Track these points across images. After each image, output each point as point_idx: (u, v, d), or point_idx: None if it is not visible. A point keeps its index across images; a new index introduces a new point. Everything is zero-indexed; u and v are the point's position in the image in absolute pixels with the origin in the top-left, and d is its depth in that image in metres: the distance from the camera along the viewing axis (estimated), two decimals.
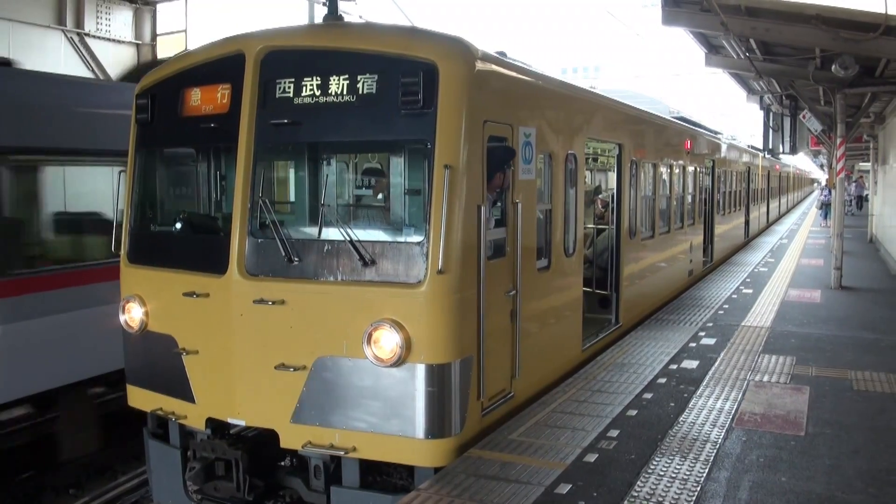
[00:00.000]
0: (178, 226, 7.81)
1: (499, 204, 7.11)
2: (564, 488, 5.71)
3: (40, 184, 10.05)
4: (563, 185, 8.47)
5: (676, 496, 5.61)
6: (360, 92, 6.30)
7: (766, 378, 8.87)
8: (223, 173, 7.76)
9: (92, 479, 10.41)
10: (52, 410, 10.27)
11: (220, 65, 6.99)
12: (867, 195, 38.38)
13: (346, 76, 6.34)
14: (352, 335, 6.16)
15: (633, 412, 7.51)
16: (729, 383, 8.60)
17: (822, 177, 66.25)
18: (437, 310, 6.06)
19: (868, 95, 17.64)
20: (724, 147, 20.81)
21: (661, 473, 6.02)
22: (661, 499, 5.56)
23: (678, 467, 6.15)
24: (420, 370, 6.04)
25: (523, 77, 7.67)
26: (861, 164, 46.35)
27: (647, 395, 8.06)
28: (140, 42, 21.64)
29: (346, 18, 7.42)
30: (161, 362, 7.23)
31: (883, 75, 15.20)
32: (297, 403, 6.39)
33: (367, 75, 6.28)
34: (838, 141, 16.31)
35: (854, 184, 44.89)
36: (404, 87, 6.10)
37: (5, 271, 9.07)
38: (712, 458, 6.38)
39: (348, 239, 6.30)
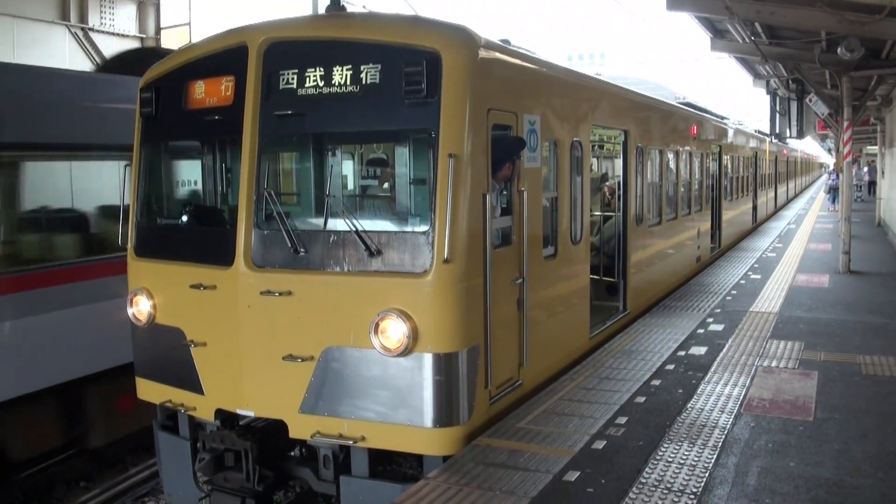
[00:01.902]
0: (185, 218, 7.83)
1: (505, 192, 7.10)
2: (573, 475, 5.72)
3: None
4: (568, 172, 8.46)
5: (685, 482, 5.61)
6: (364, 82, 6.30)
7: (774, 363, 8.85)
8: (228, 165, 7.77)
9: (103, 470, 10.47)
10: None
11: (224, 57, 6.99)
12: None
13: (350, 66, 6.33)
14: (359, 325, 6.17)
15: (642, 399, 7.51)
16: (737, 369, 8.59)
17: (830, 161, 65.94)
18: (443, 299, 6.06)
19: (874, 78, 17.52)
20: (730, 132, 20.74)
21: (670, 460, 6.03)
22: (669, 485, 5.57)
23: (686, 453, 6.15)
24: (427, 359, 6.05)
25: (527, 64, 7.64)
26: (868, 147, 46.06)
27: (656, 382, 8.06)
28: (144, 36, 21.66)
29: (349, 9, 7.40)
30: (169, 355, 7.26)
31: (889, 57, 15.10)
32: (306, 394, 6.41)
33: (371, 65, 6.27)
34: (845, 124, 16.24)
35: (866, 168, 44.33)
36: (408, 77, 6.09)
37: None
38: (721, 443, 6.38)
39: (354, 229, 6.30)
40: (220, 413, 6.95)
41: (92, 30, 19.96)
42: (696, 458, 6.05)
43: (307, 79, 6.49)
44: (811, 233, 24.81)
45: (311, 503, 7.58)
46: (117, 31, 20.80)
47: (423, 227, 6.23)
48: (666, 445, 6.33)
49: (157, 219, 8.03)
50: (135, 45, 21.47)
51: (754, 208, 26.59)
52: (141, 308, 7.44)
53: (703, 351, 9.39)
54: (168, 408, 7.46)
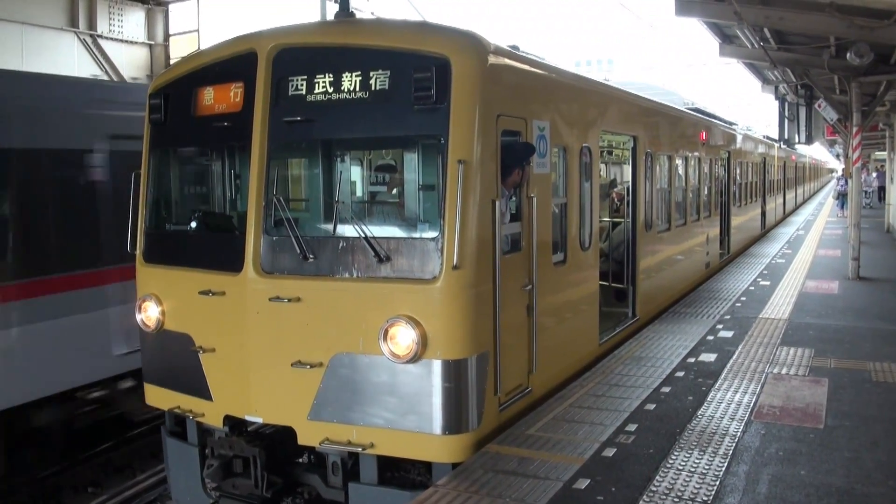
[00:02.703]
0: (194, 225, 7.83)
1: (514, 198, 7.08)
2: (583, 483, 5.69)
3: None
4: (577, 178, 8.44)
5: (696, 490, 5.58)
6: (373, 88, 6.29)
7: (784, 370, 8.81)
8: (237, 172, 7.77)
9: (110, 476, 10.48)
10: None
11: (233, 63, 6.99)
12: None
13: (359, 72, 6.33)
14: (368, 332, 6.15)
15: (652, 406, 7.47)
16: (747, 376, 8.54)
17: (839, 166, 65.72)
18: (452, 305, 6.04)
19: (883, 83, 17.47)
20: (739, 138, 20.69)
21: (680, 468, 5.99)
22: (680, 493, 5.53)
23: (697, 461, 6.12)
24: (436, 366, 6.03)
25: (536, 70, 7.63)
26: (877, 152, 45.88)
27: (666, 389, 8.02)
28: (153, 42, 21.71)
29: (358, 15, 7.40)
30: (178, 361, 7.25)
31: None
32: (314, 400, 6.39)
33: (380, 71, 6.27)
34: (854, 130, 16.19)
35: (875, 173, 44.01)
36: (417, 83, 6.08)
37: None
38: (731, 451, 6.34)
39: (363, 235, 6.29)
40: (228, 419, 6.94)
41: (101, 36, 20.01)
42: (706, 466, 6.01)
43: (316, 85, 6.49)
44: (820, 239, 24.74)
45: None
46: (126, 38, 20.86)
47: (433, 234, 6.22)
48: (676, 453, 6.29)
49: (165, 225, 8.03)
50: (144, 51, 21.54)
51: (763, 214, 26.52)
52: (150, 314, 7.44)
53: (712, 358, 9.35)
54: (176, 414, 7.45)
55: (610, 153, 14.87)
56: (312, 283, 6.46)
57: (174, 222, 8.10)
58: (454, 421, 6.10)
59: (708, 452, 6.30)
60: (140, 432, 11.29)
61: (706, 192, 15.98)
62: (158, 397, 7.61)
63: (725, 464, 6.08)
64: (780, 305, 12.84)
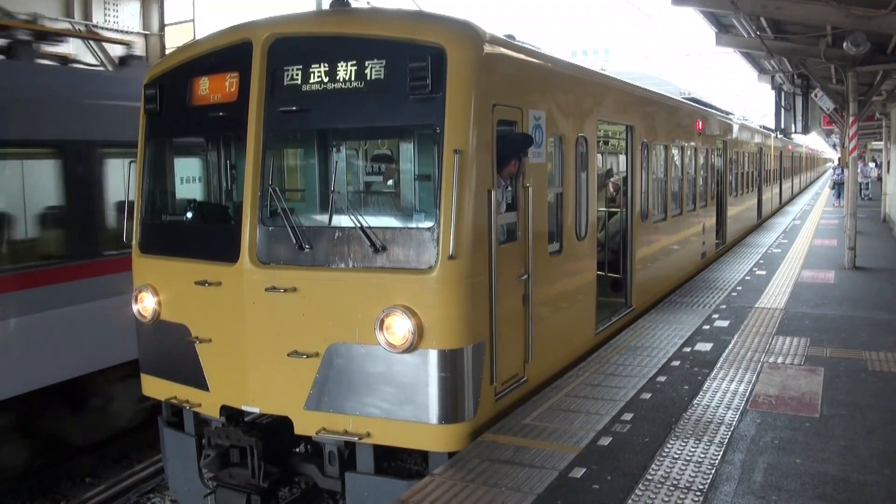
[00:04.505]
0: (189, 215, 7.83)
1: (510, 188, 7.08)
2: (579, 472, 5.71)
3: None
4: (574, 168, 8.43)
5: (691, 479, 5.60)
6: (369, 78, 6.28)
7: (780, 360, 8.83)
8: (233, 162, 7.76)
9: (108, 467, 10.48)
10: None
11: (228, 53, 6.97)
12: None
13: (354, 62, 6.32)
14: (364, 322, 6.16)
15: (647, 395, 7.49)
16: (743, 365, 8.56)
17: (836, 156, 65.70)
18: (448, 295, 6.05)
19: (880, 73, 17.48)
20: (735, 128, 20.69)
21: (676, 456, 6.01)
22: (675, 481, 5.55)
23: (693, 450, 6.13)
24: (433, 356, 6.04)
25: (532, 60, 7.62)
26: (874, 142, 45.81)
27: (661, 378, 8.04)
28: (148, 32, 21.63)
29: (353, 4, 7.38)
30: (175, 351, 7.26)
31: (895, 52, 15.05)
32: (311, 390, 6.40)
33: (375, 61, 6.25)
34: (850, 119, 16.18)
35: (873, 163, 43.83)
36: (412, 72, 6.07)
37: None
38: (727, 440, 6.36)
39: (359, 226, 6.29)
40: (225, 409, 6.95)
41: (96, 27, 19.93)
42: (702, 455, 6.03)
43: (312, 75, 6.47)
44: (816, 228, 24.77)
45: (317, 499, 7.59)
46: (122, 29, 20.78)
47: (428, 224, 6.22)
48: (672, 442, 6.31)
49: (161, 215, 8.02)
50: (139, 42, 21.46)
51: (759, 204, 26.54)
52: (146, 305, 7.44)
53: (708, 347, 9.37)
54: (173, 404, 7.47)
55: (606, 143, 14.88)
56: (308, 274, 6.45)
57: (170, 213, 8.09)
58: (450, 410, 6.12)
59: (703, 441, 6.32)
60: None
61: (702, 182, 15.99)
62: (155, 387, 7.61)
63: (721, 452, 6.10)
64: (776, 295, 12.86)
